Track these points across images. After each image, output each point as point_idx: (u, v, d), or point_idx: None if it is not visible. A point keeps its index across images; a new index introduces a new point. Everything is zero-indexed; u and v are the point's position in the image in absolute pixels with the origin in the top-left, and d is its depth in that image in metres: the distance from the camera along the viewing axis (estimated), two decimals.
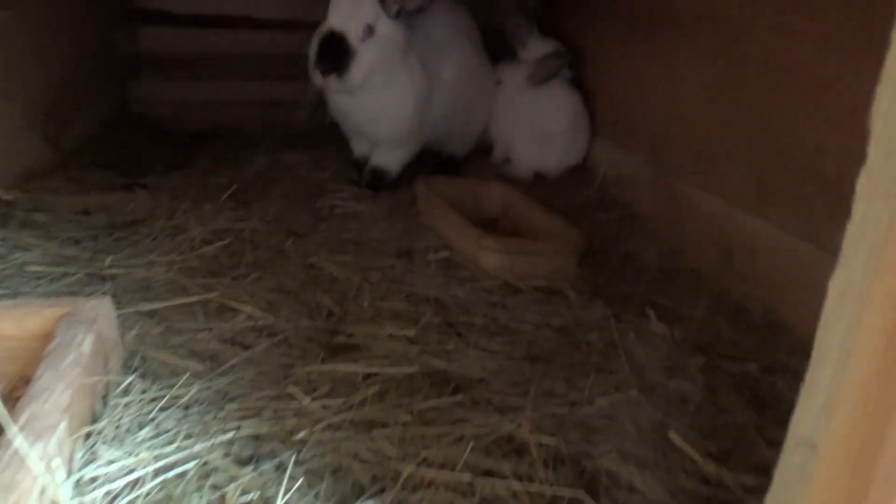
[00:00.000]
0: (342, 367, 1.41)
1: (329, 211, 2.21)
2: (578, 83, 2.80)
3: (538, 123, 2.69)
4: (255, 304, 1.58)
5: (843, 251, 0.66)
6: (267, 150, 2.64)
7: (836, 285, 0.68)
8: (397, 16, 2.17)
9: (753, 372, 1.53)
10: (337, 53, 2.09)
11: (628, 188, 2.51)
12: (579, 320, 1.69)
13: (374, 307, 1.65)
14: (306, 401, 1.29)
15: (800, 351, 1.62)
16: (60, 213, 1.92)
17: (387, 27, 2.16)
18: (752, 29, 1.86)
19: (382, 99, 2.25)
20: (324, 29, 2.14)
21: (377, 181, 2.44)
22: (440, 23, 2.49)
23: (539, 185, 2.69)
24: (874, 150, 0.61)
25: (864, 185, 0.64)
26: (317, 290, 1.69)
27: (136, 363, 1.35)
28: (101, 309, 1.27)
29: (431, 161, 2.69)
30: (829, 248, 1.63)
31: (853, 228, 0.65)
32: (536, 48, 2.78)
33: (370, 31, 2.12)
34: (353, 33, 2.10)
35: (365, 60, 2.12)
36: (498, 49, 2.87)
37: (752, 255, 1.87)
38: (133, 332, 1.41)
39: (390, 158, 2.45)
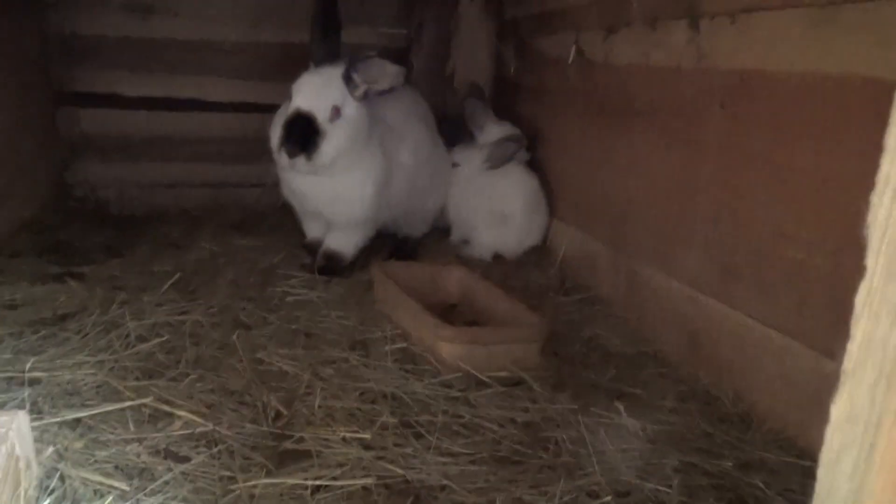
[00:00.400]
0: (289, 480, 1.27)
1: (279, 300, 2.09)
2: (536, 165, 2.80)
3: (496, 205, 2.66)
4: (193, 407, 1.44)
5: (844, 372, 0.59)
6: (213, 234, 2.53)
7: (839, 412, 0.60)
8: (363, 98, 2.15)
9: (730, 470, 1.44)
10: (305, 134, 2.06)
11: (589, 270, 2.47)
12: (545, 415, 1.59)
13: (325, 407, 1.52)
14: None
15: (775, 444, 1.55)
16: None
17: (352, 109, 2.15)
18: (706, 115, 1.87)
19: (344, 181, 2.21)
20: (290, 110, 2.10)
21: (331, 266, 2.35)
22: (396, 107, 2.47)
23: (498, 267, 2.64)
24: (873, 262, 0.55)
25: (865, 300, 0.57)
26: (263, 390, 1.56)
27: (53, 484, 1.19)
28: (14, 424, 1.13)
29: (387, 244, 2.62)
30: (795, 336, 1.58)
31: (855, 349, 0.58)
32: (493, 131, 2.80)
33: (337, 112, 2.11)
34: (321, 114, 2.08)
35: (334, 141, 2.10)
36: (453, 133, 2.86)
37: (718, 341, 1.81)
38: (52, 448, 1.25)
39: (345, 242, 2.38)
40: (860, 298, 0.58)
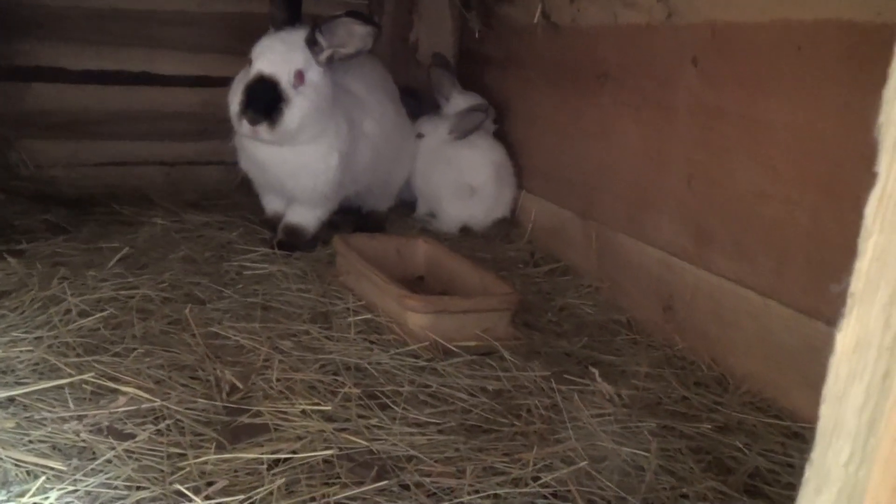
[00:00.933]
0: (244, 455, 1.18)
1: (236, 274, 1.99)
2: (503, 136, 2.72)
3: (462, 177, 2.58)
4: (140, 383, 1.34)
5: (852, 295, 0.52)
6: (167, 212, 2.41)
7: (846, 339, 0.53)
8: (328, 63, 2.04)
9: (708, 432, 1.39)
10: (268, 100, 1.92)
11: (559, 241, 2.40)
12: (517, 384, 1.52)
13: (284, 380, 1.43)
14: (197, 501, 1.05)
15: (753, 406, 1.51)
16: None
17: (317, 75, 2.02)
18: (677, 74, 1.81)
19: (307, 151, 2.09)
20: (251, 74, 1.96)
21: (292, 240, 2.25)
22: (358, 76, 2.36)
23: (466, 240, 2.56)
24: (886, 166, 0.48)
25: (876, 210, 0.50)
26: (217, 364, 1.46)
27: None
28: None
29: (351, 218, 2.52)
30: (773, 295, 1.53)
31: (865, 266, 0.51)
32: (459, 101, 2.72)
33: (301, 77, 1.98)
34: (284, 79, 1.95)
35: (299, 108, 1.96)
36: (416, 104, 2.77)
37: (693, 306, 1.76)
38: None
39: (307, 216, 2.27)
40: (870, 209, 0.50)
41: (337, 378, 1.45)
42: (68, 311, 1.57)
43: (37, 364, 1.38)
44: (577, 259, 2.29)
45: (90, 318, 1.55)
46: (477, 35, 2.77)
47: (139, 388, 1.33)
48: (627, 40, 2.02)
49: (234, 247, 2.18)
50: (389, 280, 1.78)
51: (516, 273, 2.27)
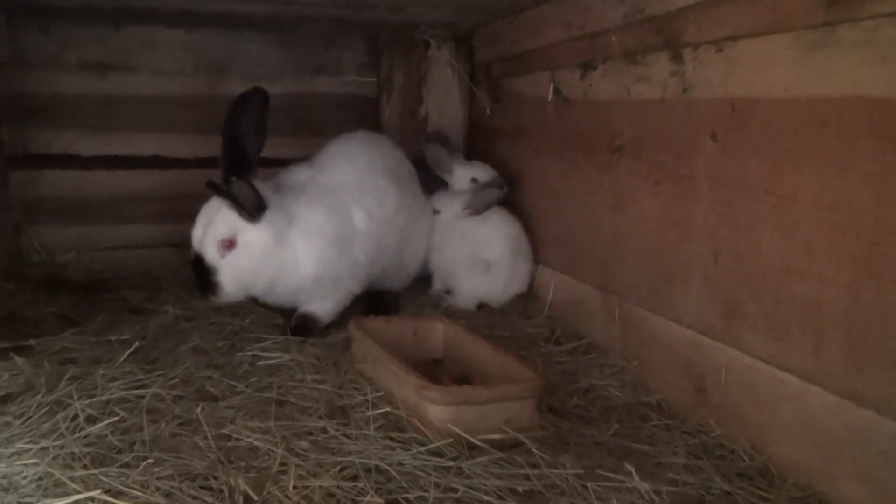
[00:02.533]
0: None
1: (249, 364, 1.93)
2: (518, 209, 2.69)
3: (478, 252, 2.54)
4: (148, 498, 1.26)
5: None
6: (178, 297, 2.36)
7: None
8: (256, 220, 2.01)
9: None
10: (201, 277, 2.01)
11: (580, 316, 2.34)
12: (548, 482, 1.42)
13: (301, 488, 1.35)
14: None
15: (802, 501, 1.40)
16: None
17: (252, 233, 2.01)
18: (695, 147, 1.77)
19: (286, 262, 2.09)
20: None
21: (305, 326, 2.19)
22: (348, 169, 2.33)
23: (483, 317, 2.50)
24: None
25: None
26: (231, 471, 1.38)
27: None
28: None
29: (366, 299, 2.46)
30: (813, 379, 1.45)
31: None
32: (462, 174, 2.71)
33: (230, 244, 2.00)
34: (209, 253, 1.99)
35: (229, 276, 2.00)
36: (430, 179, 2.76)
37: (727, 388, 1.68)
38: None
39: (321, 306, 2.22)
40: None
41: (357, 484, 1.36)
42: (75, 416, 1.51)
43: (41, 479, 1.30)
44: (600, 335, 2.22)
45: (98, 425, 1.48)
46: (488, 111, 2.77)
47: (147, 503, 1.25)
48: (642, 114, 1.99)
49: (247, 335, 2.13)
50: (407, 369, 1.71)
51: (537, 352, 2.19)
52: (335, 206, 2.20)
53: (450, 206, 2.62)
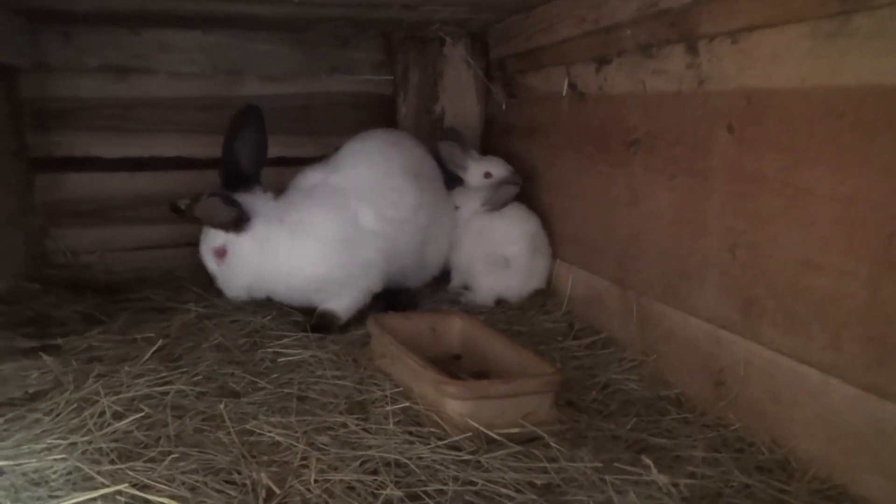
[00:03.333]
0: None
1: (271, 361, 1.95)
2: (535, 205, 2.70)
3: (496, 248, 2.55)
4: (173, 491, 1.29)
5: None
6: (200, 296, 2.40)
7: None
8: (240, 230, 2.12)
9: None
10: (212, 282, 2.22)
11: (598, 311, 2.34)
12: (566, 476, 1.43)
13: (322, 481, 1.37)
14: None
15: (822, 494, 1.40)
16: None
17: (240, 242, 2.13)
18: (711, 141, 1.77)
19: (284, 265, 2.18)
20: None
21: (324, 324, 2.22)
22: (364, 170, 2.35)
23: (502, 313, 2.51)
24: None
25: None
26: (253, 465, 1.41)
27: None
28: None
29: (386, 296, 2.47)
30: (833, 372, 1.45)
31: None
32: (477, 168, 2.73)
33: (222, 253, 2.15)
34: (209, 262, 2.19)
35: (227, 281, 2.19)
36: (451, 175, 2.77)
37: (746, 382, 1.67)
38: None
39: (337, 304, 2.25)
40: None
41: (377, 477, 1.38)
42: (102, 413, 1.54)
43: (70, 473, 1.34)
44: (618, 330, 2.22)
45: (124, 421, 1.51)
46: (503, 107, 2.77)
47: (173, 497, 1.28)
48: (657, 107, 1.99)
49: (268, 332, 2.16)
50: (426, 364, 1.73)
51: (555, 347, 2.20)
52: (338, 208, 2.24)
53: (468, 203, 2.64)
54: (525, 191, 2.69)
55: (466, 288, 2.64)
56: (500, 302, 2.58)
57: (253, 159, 2.21)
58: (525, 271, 2.55)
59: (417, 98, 3.20)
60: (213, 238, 2.15)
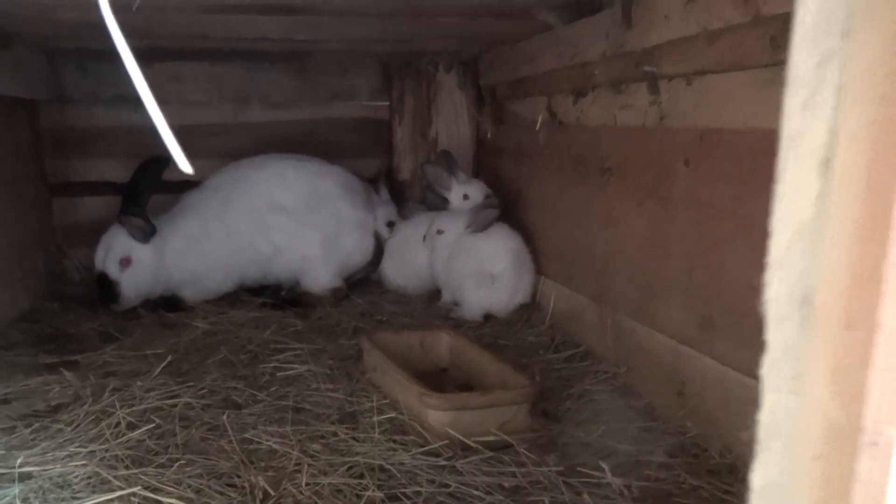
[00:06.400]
0: None
1: (269, 376, 2.12)
2: (521, 223, 2.86)
3: (482, 266, 2.71)
4: (181, 493, 1.46)
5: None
6: (206, 312, 2.58)
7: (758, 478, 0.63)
8: (146, 240, 2.63)
9: None
10: (104, 290, 2.62)
11: (578, 326, 2.50)
12: (532, 479, 1.59)
13: (313, 484, 1.53)
14: None
15: None
16: None
17: (144, 251, 2.63)
18: (672, 172, 1.93)
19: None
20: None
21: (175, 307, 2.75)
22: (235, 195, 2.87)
23: (490, 327, 2.67)
24: (774, 338, 0.59)
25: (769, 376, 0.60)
26: (252, 470, 1.58)
27: None
28: None
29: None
30: None
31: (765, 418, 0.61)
32: (458, 191, 2.94)
33: (127, 261, 2.60)
34: (111, 269, 2.60)
35: (128, 285, 2.62)
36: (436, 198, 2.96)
37: (703, 393, 1.83)
38: None
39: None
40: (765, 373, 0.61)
41: (361, 481, 1.55)
42: (118, 423, 1.72)
43: (90, 478, 1.51)
44: (596, 344, 2.38)
45: (137, 431, 1.69)
46: (489, 135, 2.94)
47: (180, 498, 1.45)
48: (627, 139, 2.15)
49: (268, 346, 2.33)
50: (410, 378, 1.89)
51: (537, 360, 2.36)
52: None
53: (452, 226, 2.81)
54: (514, 210, 2.87)
55: (456, 304, 2.80)
56: (488, 317, 2.74)
57: (148, 193, 2.69)
58: (510, 287, 2.71)
59: (413, 122, 3.38)
60: (117, 249, 2.61)
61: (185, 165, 0.79)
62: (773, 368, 0.61)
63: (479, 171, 3.25)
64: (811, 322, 0.57)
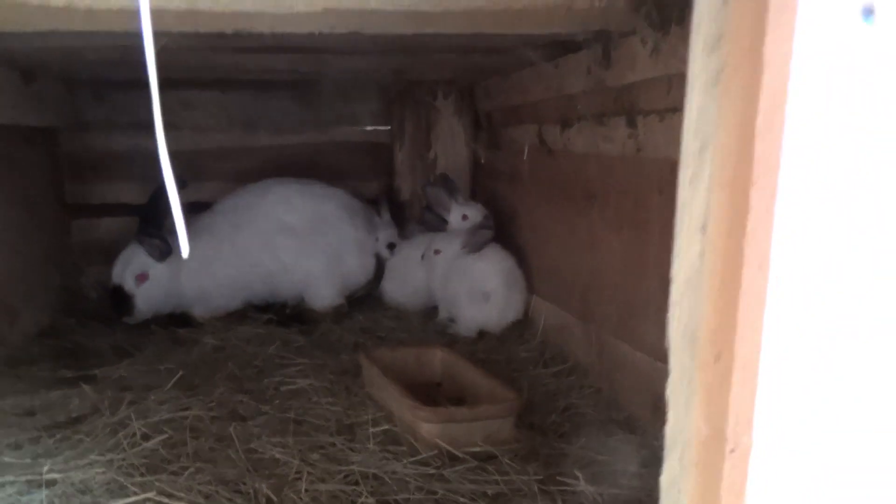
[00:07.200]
0: None
1: (274, 389, 2.27)
2: (515, 244, 3.01)
3: (476, 285, 2.85)
4: (192, 499, 1.61)
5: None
6: (216, 329, 2.74)
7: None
8: (163, 259, 2.80)
9: None
10: (119, 303, 2.81)
11: (566, 342, 2.63)
12: (514, 487, 1.73)
13: (311, 491, 1.68)
14: None
15: None
16: (3, 416, 1.96)
17: (159, 269, 2.81)
18: (648, 199, 2.07)
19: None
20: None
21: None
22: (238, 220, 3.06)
23: (483, 342, 2.81)
24: (674, 365, 0.73)
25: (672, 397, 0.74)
26: (256, 478, 1.72)
27: None
28: None
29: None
30: None
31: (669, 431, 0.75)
32: (457, 211, 3.09)
33: (143, 277, 2.79)
34: (127, 283, 2.79)
35: (142, 299, 2.81)
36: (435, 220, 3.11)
37: None
38: None
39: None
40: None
41: (356, 488, 1.69)
42: (134, 434, 1.87)
43: (108, 484, 1.66)
44: (582, 359, 2.51)
45: (151, 441, 1.84)
46: (482, 161, 3.09)
47: (191, 503, 1.59)
48: (608, 167, 2.29)
49: (273, 361, 2.48)
50: (404, 392, 2.04)
51: (527, 374, 2.49)
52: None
53: (449, 246, 2.96)
54: (507, 231, 3.01)
55: (452, 320, 2.94)
56: (482, 333, 2.88)
57: (165, 216, 2.82)
58: (502, 305, 2.85)
59: (412, 146, 3.54)
60: (135, 266, 2.79)
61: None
62: (674, 391, 0.75)
63: (476, 193, 3.40)
64: (696, 354, 0.71)
